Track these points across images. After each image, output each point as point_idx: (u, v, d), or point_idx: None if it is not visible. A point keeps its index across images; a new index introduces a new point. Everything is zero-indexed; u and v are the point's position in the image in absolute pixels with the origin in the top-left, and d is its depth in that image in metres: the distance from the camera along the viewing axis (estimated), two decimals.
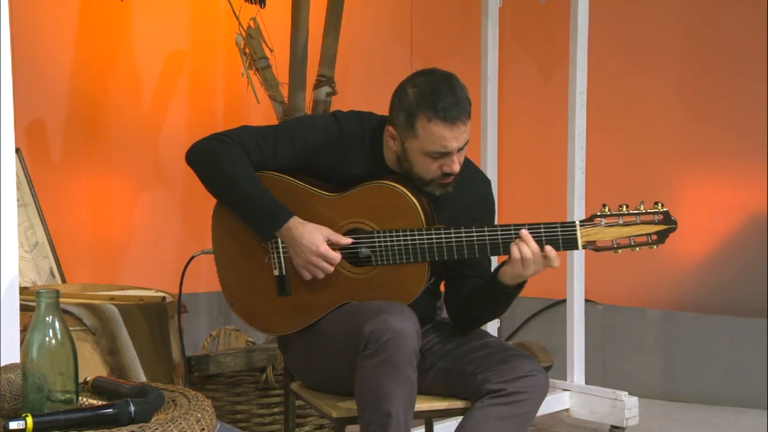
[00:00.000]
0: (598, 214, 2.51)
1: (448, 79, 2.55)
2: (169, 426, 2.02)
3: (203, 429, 2.08)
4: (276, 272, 2.63)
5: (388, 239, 2.56)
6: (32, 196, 3.81)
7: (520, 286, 2.59)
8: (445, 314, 2.84)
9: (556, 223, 2.52)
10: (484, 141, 4.10)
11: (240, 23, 3.87)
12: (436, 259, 2.55)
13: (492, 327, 4.09)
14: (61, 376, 2.09)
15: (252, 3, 3.93)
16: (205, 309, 4.61)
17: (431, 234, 2.54)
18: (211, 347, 3.87)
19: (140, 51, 4.40)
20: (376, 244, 2.57)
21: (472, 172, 2.72)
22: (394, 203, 2.57)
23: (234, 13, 3.89)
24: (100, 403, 2.15)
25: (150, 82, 4.44)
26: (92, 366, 3.08)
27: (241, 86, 4.28)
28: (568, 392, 3.98)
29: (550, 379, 2.72)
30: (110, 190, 4.37)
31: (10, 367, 2.18)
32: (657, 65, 4.68)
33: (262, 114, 4.35)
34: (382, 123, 2.64)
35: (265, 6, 3.92)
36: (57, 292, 2.12)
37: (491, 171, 4.08)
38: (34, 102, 4.08)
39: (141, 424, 2.02)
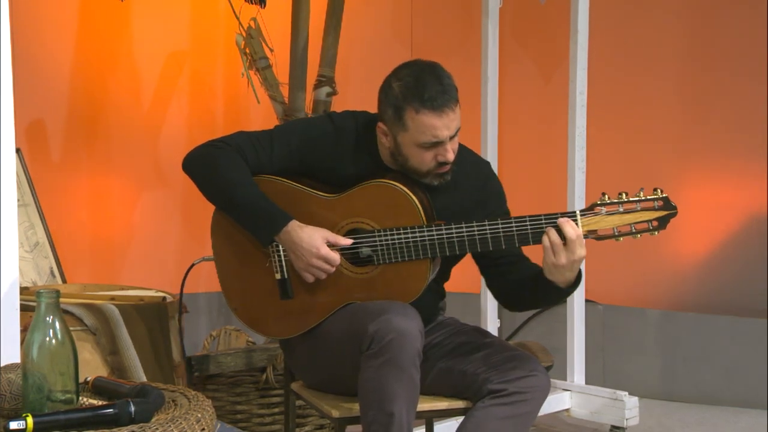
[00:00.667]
0: (599, 202, 2.50)
1: (433, 68, 2.55)
2: (170, 426, 2.02)
3: (203, 429, 2.08)
4: (278, 276, 2.63)
5: (388, 238, 2.56)
6: (32, 196, 3.81)
7: (575, 284, 2.54)
8: (447, 314, 2.84)
9: (557, 214, 2.51)
10: (484, 141, 4.10)
11: (240, 23, 3.87)
12: (438, 255, 2.56)
13: (492, 327, 4.09)
14: (62, 376, 2.09)
15: (252, 3, 3.93)
16: (205, 309, 4.61)
17: (432, 230, 2.54)
18: (211, 347, 3.87)
19: (140, 51, 4.40)
20: (377, 243, 2.57)
21: (468, 157, 2.71)
22: (393, 201, 2.57)
23: (234, 13, 3.89)
24: (100, 403, 2.15)
25: (150, 82, 4.44)
26: (92, 366, 3.08)
27: (242, 86, 4.28)
28: (568, 392, 3.98)
29: (551, 379, 2.71)
30: (110, 190, 4.37)
31: (10, 367, 2.18)
32: (657, 65, 4.68)
33: (262, 114, 4.35)
34: (375, 120, 2.63)
35: (265, 6, 3.92)
36: (57, 292, 2.12)
37: None
38: (34, 102, 4.09)
39: (141, 424, 2.02)
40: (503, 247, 2.53)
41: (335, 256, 2.57)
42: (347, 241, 2.58)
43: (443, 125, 2.51)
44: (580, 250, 2.47)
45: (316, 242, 2.56)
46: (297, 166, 2.65)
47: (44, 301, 2.10)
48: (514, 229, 2.51)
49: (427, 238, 2.54)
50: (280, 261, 2.62)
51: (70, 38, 4.22)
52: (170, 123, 4.48)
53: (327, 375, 2.67)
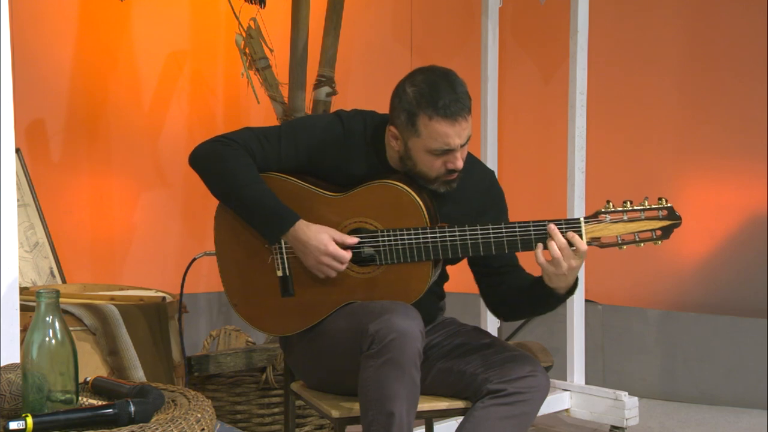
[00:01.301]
0: (603, 210, 2.51)
1: (447, 75, 2.55)
2: (169, 426, 2.02)
3: (203, 429, 2.08)
4: (279, 273, 2.63)
5: (392, 238, 2.56)
6: (32, 196, 3.81)
7: (570, 290, 2.57)
8: (447, 314, 2.84)
9: (560, 220, 2.51)
10: (484, 141, 4.10)
11: (240, 23, 3.87)
12: (441, 257, 2.56)
13: (492, 327, 4.09)
14: (61, 376, 2.09)
15: (252, 3, 3.93)
16: (205, 309, 4.61)
17: (435, 233, 2.54)
18: (211, 347, 3.87)
19: (140, 51, 4.40)
20: (380, 244, 2.57)
21: (474, 165, 2.72)
22: (397, 202, 2.57)
23: (234, 13, 3.89)
24: (100, 403, 2.15)
25: (150, 82, 4.44)
26: (92, 366, 3.08)
27: (242, 86, 4.28)
28: (568, 392, 3.98)
29: (550, 379, 2.72)
30: (110, 190, 4.37)
31: (10, 367, 2.18)
32: (657, 65, 4.68)
33: (262, 114, 4.35)
34: (384, 122, 2.64)
35: (265, 6, 3.92)
36: (57, 292, 2.12)
37: None
38: (34, 102, 4.08)
39: (141, 424, 2.02)
40: (506, 251, 2.54)
41: (345, 254, 2.57)
42: (353, 240, 2.58)
43: (455, 133, 2.52)
44: (583, 257, 2.49)
45: (323, 240, 2.56)
46: (303, 165, 2.65)
47: (44, 301, 2.10)
48: (518, 234, 2.52)
49: (430, 240, 2.54)
50: (282, 258, 2.62)
51: (70, 38, 4.22)
52: (170, 123, 4.48)
53: (327, 374, 2.67)
